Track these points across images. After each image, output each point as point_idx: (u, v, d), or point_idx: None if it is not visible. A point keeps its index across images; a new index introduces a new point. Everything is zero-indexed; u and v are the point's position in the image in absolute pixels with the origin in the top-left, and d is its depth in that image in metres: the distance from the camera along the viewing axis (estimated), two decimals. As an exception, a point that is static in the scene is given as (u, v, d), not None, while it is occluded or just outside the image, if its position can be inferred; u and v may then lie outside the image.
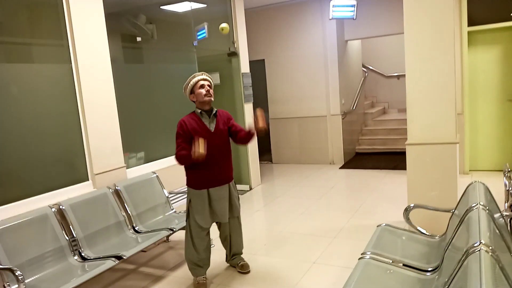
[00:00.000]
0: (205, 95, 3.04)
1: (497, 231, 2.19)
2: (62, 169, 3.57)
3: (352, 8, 5.71)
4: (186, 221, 3.21)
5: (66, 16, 3.51)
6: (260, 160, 6.70)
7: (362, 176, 6.48)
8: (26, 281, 2.71)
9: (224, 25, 2.80)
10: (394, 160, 7.29)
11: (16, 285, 2.54)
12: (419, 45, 3.66)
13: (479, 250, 1.70)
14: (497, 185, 4.34)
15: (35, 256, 2.88)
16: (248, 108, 6.13)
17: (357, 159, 7.74)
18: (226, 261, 3.55)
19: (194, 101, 3.12)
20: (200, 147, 2.78)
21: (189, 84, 3.07)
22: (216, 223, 3.32)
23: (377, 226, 2.97)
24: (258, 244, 4.03)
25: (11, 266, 2.60)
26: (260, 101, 7.81)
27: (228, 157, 3.20)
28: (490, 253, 1.68)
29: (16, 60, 3.35)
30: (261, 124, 2.92)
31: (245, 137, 3.12)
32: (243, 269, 3.42)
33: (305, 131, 7.64)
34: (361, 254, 2.51)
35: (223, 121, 3.13)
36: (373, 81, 9.62)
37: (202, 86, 3.04)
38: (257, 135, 3.05)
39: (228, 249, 3.47)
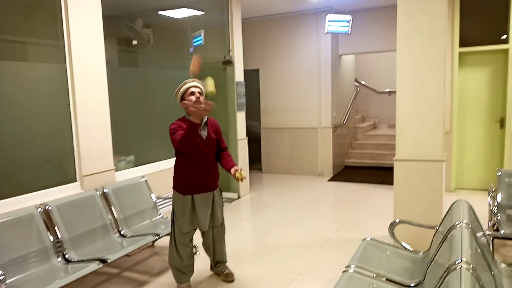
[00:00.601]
0: (195, 102, 3.06)
1: (479, 249, 2.23)
2: (50, 169, 3.54)
3: (347, 24, 5.81)
4: (171, 226, 3.22)
5: (63, 16, 3.51)
6: (249, 169, 6.72)
7: (350, 189, 6.52)
8: (7, 281, 2.68)
9: (210, 83, 3.00)
10: (382, 174, 7.36)
11: (-3, 285, 2.51)
12: (411, 63, 3.73)
13: (460, 268, 1.73)
14: (481, 204, 4.41)
15: (18, 256, 2.84)
16: (241, 116, 6.16)
17: (346, 172, 7.80)
18: (210, 269, 3.55)
19: (185, 108, 3.14)
20: (211, 86, 2.93)
21: (180, 91, 3.09)
22: (199, 230, 3.32)
23: (363, 240, 3.00)
24: (244, 252, 4.03)
25: (-7, 265, 2.57)
26: (253, 110, 7.86)
27: (215, 165, 3.23)
28: (471, 271, 1.72)
29: (10, 58, 3.33)
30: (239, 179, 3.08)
31: (225, 168, 3.24)
32: (228, 277, 3.41)
33: (295, 142, 7.69)
34: (346, 267, 2.54)
35: (213, 130, 3.17)
36: (364, 96, 9.74)
37: (192, 93, 3.07)
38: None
39: (212, 257, 3.47)
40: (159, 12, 5.47)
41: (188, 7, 5.24)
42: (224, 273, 3.44)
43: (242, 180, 3.09)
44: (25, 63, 3.42)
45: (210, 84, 2.98)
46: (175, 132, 2.96)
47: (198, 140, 3.04)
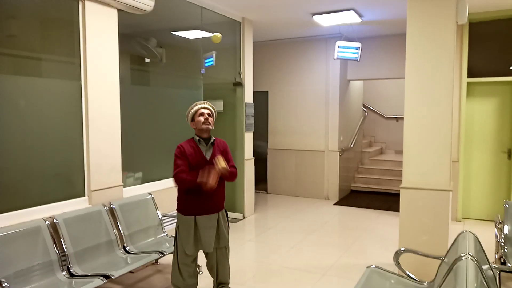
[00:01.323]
0: (203, 123, 3.12)
1: (485, 283, 2.21)
2: (59, 183, 3.59)
3: (357, 50, 5.91)
4: (174, 245, 3.23)
5: (81, 34, 3.62)
6: (255, 189, 6.73)
7: (356, 214, 6.49)
8: (11, 293, 2.70)
9: (217, 34, 2.99)
10: (388, 201, 7.32)
11: (2, 297, 2.53)
12: (419, 92, 3.77)
13: (465, 301, 1.73)
14: (488, 235, 4.37)
15: (24, 269, 2.86)
16: (249, 136, 6.22)
17: (352, 197, 7.77)
18: (213, 289, 3.53)
19: (194, 128, 3.20)
20: (213, 179, 2.89)
21: (191, 112, 3.16)
22: (203, 251, 3.31)
23: (367, 267, 2.98)
24: (246, 274, 4.01)
25: (-1, 277, 2.59)
26: (261, 131, 7.92)
27: (221, 186, 3.23)
28: (476, 305, 1.71)
29: (27, 73, 3.43)
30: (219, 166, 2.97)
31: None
32: (230, 299, 3.39)
33: (302, 164, 7.71)
34: (349, 294, 2.52)
35: (219, 150, 3.19)
36: (372, 121, 9.78)
37: (201, 114, 3.13)
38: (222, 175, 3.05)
39: (215, 277, 3.45)
40: (172, 32, 5.60)
41: (202, 29, 5.37)
42: (226, 294, 3.41)
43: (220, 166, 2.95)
44: (41, 79, 3.51)
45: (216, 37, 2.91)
46: (176, 159, 3.06)
47: (202, 161, 3.08)
